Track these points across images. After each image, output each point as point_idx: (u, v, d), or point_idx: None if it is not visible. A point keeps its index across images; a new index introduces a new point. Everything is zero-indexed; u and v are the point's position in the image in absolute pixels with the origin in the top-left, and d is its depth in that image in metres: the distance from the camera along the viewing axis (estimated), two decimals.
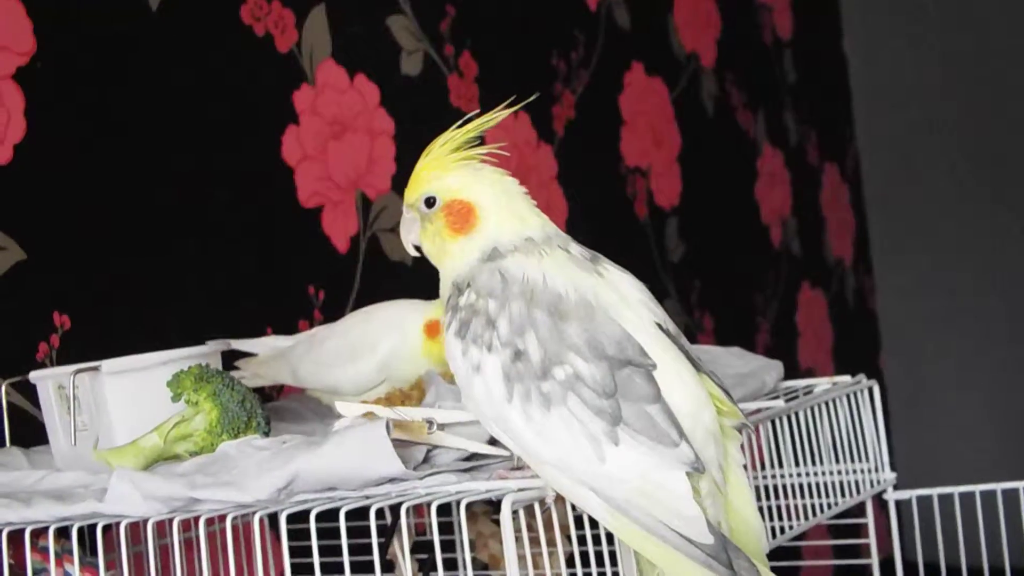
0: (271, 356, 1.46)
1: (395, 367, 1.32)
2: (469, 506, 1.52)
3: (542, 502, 0.92)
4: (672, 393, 0.92)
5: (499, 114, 1.01)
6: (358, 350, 1.34)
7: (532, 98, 1.06)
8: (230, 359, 1.49)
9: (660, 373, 0.92)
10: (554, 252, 0.98)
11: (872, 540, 1.45)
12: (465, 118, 1.02)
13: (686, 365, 0.95)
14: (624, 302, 0.96)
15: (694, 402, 0.93)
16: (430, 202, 1.01)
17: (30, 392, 1.34)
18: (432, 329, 1.30)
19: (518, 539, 1.46)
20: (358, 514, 0.96)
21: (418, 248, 1.04)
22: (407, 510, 0.94)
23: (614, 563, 1.26)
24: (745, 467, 0.97)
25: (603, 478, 0.90)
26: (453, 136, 1.02)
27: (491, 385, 0.93)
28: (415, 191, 1.02)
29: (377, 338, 1.33)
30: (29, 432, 1.38)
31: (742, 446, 0.99)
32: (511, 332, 0.93)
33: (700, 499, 0.91)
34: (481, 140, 1.03)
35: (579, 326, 0.92)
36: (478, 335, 0.94)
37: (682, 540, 0.89)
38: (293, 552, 1.54)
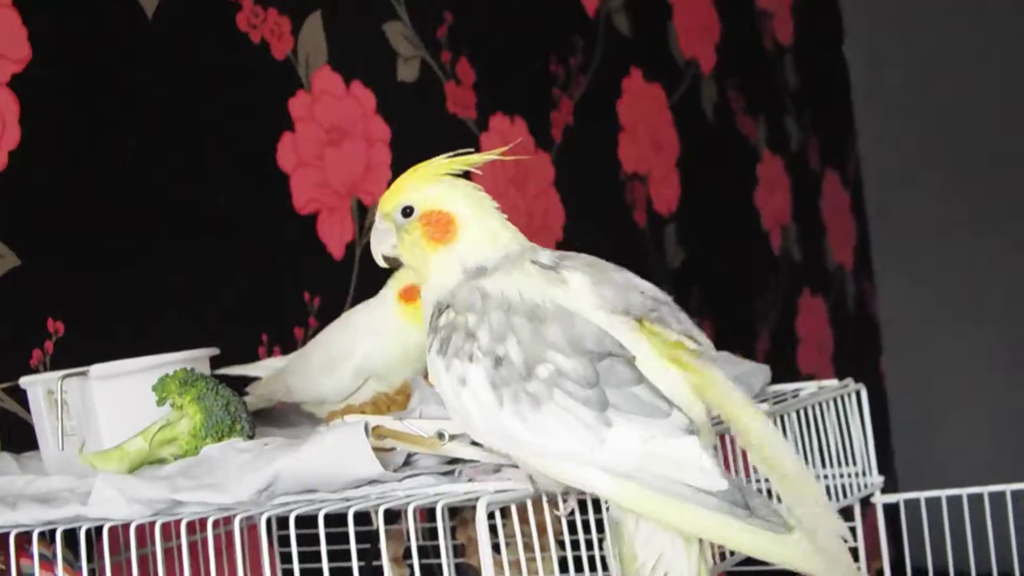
0: (271, 377, 1.47)
1: (373, 368, 1.34)
2: (461, 511, 1.54)
3: (521, 503, 0.93)
4: (654, 379, 0.94)
5: (491, 155, 1.04)
6: (336, 359, 1.35)
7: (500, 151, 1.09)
8: (238, 386, 1.51)
9: (640, 364, 0.94)
10: (526, 266, 1.00)
11: (860, 543, 1.45)
12: (456, 153, 1.04)
13: (660, 360, 0.96)
14: (586, 308, 0.97)
15: (677, 386, 0.96)
16: (407, 212, 1.03)
17: (22, 398, 1.35)
18: (408, 294, 1.31)
19: (509, 544, 1.47)
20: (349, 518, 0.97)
21: (387, 259, 1.06)
22: (386, 512, 0.95)
23: (605, 568, 1.27)
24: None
25: (609, 455, 0.92)
26: (442, 163, 1.04)
27: (479, 394, 0.95)
28: (392, 200, 1.04)
29: (352, 344, 1.35)
30: (22, 438, 1.39)
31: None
32: (491, 340, 0.95)
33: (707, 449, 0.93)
34: (467, 173, 1.06)
35: (558, 327, 0.94)
36: (459, 348, 0.96)
37: (695, 492, 0.91)
38: (286, 558, 1.55)
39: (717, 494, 0.91)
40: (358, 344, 1.35)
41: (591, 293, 0.98)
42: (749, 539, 0.91)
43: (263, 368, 1.51)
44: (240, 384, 1.51)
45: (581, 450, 0.92)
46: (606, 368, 0.93)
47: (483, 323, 0.95)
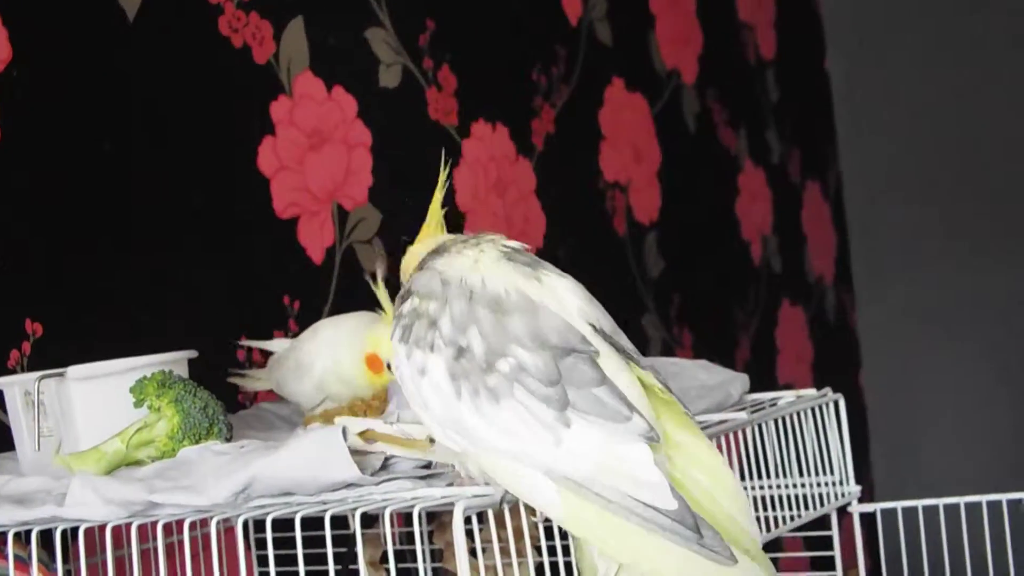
0: (275, 360, 1.46)
1: (329, 387, 1.33)
2: (439, 515, 1.54)
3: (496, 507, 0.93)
4: (616, 378, 0.94)
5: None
6: (302, 367, 1.34)
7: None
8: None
9: (602, 361, 0.94)
10: (489, 250, 1.00)
11: (836, 553, 1.46)
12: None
13: (621, 361, 0.96)
14: (562, 308, 0.97)
15: (636, 389, 0.95)
16: None
17: None
18: (373, 363, 1.29)
19: (485, 550, 1.47)
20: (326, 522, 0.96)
21: None
22: (364, 516, 0.95)
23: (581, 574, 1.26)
24: None
25: (563, 460, 0.90)
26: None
27: (439, 385, 0.94)
28: None
29: (314, 358, 1.33)
30: None
31: None
32: (454, 330, 0.95)
33: (660, 465, 0.91)
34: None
35: (521, 319, 0.94)
36: (421, 337, 0.96)
37: (646, 508, 0.89)
38: (263, 560, 1.55)
39: (666, 513, 0.89)
40: (318, 361, 1.33)
41: (566, 292, 0.98)
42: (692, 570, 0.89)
43: (279, 345, 1.50)
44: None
45: (537, 450, 0.91)
46: (569, 366, 0.92)
47: (445, 312, 0.95)
